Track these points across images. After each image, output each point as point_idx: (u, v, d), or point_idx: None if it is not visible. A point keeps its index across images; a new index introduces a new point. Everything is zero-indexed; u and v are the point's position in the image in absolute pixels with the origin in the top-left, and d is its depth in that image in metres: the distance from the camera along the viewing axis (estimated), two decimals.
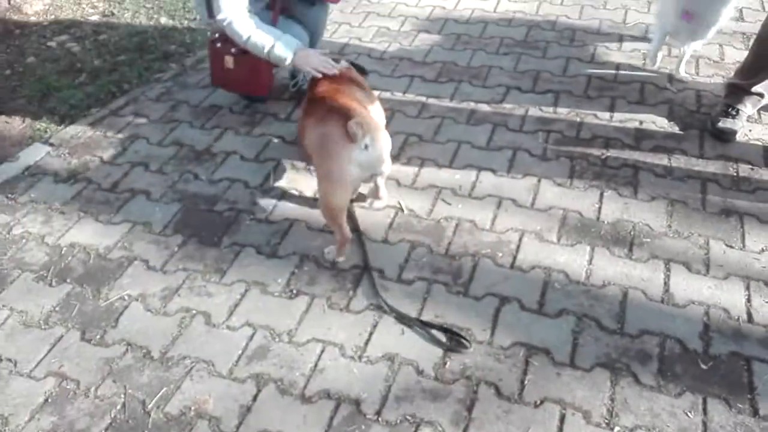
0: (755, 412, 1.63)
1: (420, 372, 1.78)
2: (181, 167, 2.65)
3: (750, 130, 2.63)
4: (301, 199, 2.44)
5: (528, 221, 2.27)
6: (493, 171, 2.51)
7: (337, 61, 2.47)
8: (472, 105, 2.92)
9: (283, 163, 2.63)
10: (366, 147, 1.97)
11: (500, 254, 2.14)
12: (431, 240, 2.22)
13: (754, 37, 2.60)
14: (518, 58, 3.26)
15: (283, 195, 2.47)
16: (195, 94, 3.13)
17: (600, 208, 2.31)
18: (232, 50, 2.65)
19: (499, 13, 3.71)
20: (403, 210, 2.35)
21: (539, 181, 2.45)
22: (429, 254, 2.16)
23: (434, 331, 1.89)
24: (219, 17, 2.45)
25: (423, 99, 2.99)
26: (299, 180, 2.54)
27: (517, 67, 3.18)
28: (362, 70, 2.62)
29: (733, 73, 2.71)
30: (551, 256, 2.12)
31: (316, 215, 2.34)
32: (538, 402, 1.69)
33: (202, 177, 2.59)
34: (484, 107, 2.90)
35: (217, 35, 2.71)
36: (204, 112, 2.99)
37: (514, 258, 2.12)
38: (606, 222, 2.24)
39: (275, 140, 2.77)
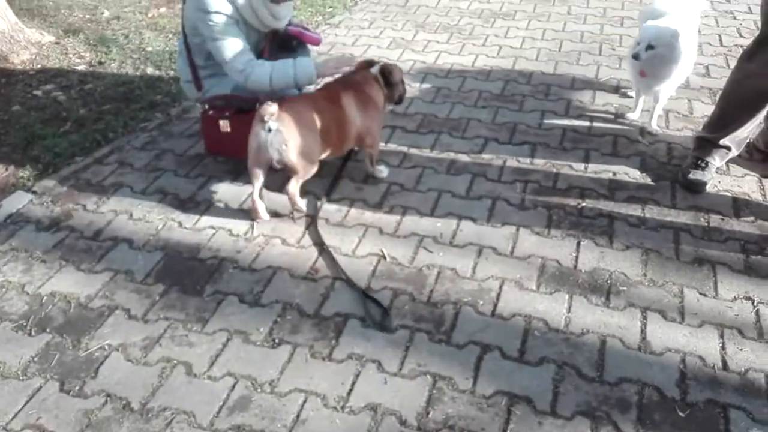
0: None
1: (403, 422, 1.78)
2: (164, 215, 2.66)
3: (719, 182, 2.73)
4: (284, 247, 2.47)
5: (508, 269, 2.31)
6: (474, 220, 2.57)
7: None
8: (452, 155, 3.01)
9: (269, 212, 2.66)
10: (269, 130, 2.35)
11: (481, 302, 2.17)
12: (413, 288, 2.25)
13: (720, 92, 2.74)
14: (496, 111, 3.37)
15: (267, 243, 2.49)
16: (180, 143, 3.18)
17: (577, 257, 2.36)
18: (226, 114, 2.74)
19: (477, 68, 3.86)
20: (385, 258, 2.39)
21: (518, 229, 2.51)
22: (411, 302, 2.19)
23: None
24: (239, 73, 2.54)
25: (404, 149, 3.07)
26: (283, 228, 2.57)
27: (495, 119, 3.29)
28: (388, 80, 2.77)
29: (701, 127, 2.83)
30: (531, 304, 2.16)
31: (300, 262, 2.37)
32: None
33: (185, 225, 2.61)
34: (464, 157, 2.98)
35: (206, 106, 2.81)
36: (189, 161, 3.03)
37: (495, 306, 2.16)
38: (583, 270, 2.30)
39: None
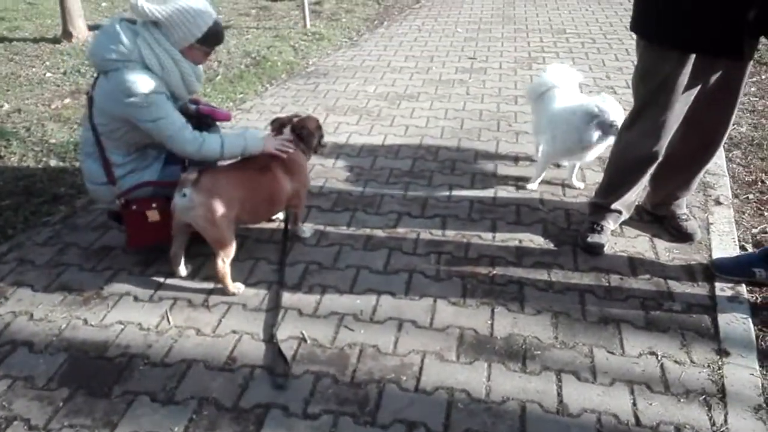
0: None
1: None
2: (68, 313, 2.52)
3: (615, 243, 2.94)
4: (199, 337, 2.39)
5: (428, 342, 2.35)
6: (392, 294, 2.61)
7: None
8: (368, 231, 3.07)
9: (180, 302, 2.58)
10: (184, 195, 2.40)
11: (404, 378, 2.18)
12: (336, 369, 2.22)
13: (607, 161, 2.98)
14: (407, 186, 3.50)
15: (180, 334, 2.41)
16: (85, 236, 3.06)
17: (492, 324, 2.44)
18: (153, 205, 2.65)
19: (386, 147, 4.02)
20: (306, 340, 2.36)
21: (435, 301, 2.57)
22: (334, 385, 2.16)
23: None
24: (191, 144, 2.52)
25: (321, 227, 3.10)
26: (197, 317, 2.50)
27: (406, 195, 3.41)
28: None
29: (594, 194, 3.06)
30: (453, 375, 2.19)
31: (216, 353, 2.30)
32: None
33: (91, 322, 2.47)
34: (379, 233, 3.05)
35: (123, 200, 2.65)
36: (95, 254, 2.91)
37: (418, 380, 2.17)
38: (499, 337, 2.37)
39: (169, 280, 2.73)
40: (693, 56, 2.41)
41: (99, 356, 2.30)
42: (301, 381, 2.17)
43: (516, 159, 3.81)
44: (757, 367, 2.21)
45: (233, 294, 2.60)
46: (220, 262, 2.53)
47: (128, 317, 2.50)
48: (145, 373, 2.21)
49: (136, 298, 2.61)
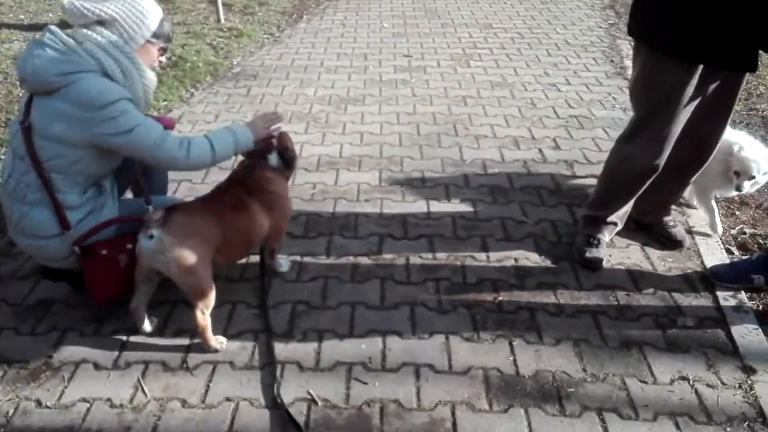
0: None
1: None
2: (14, 393, 2.04)
3: (610, 255, 2.84)
4: (187, 410, 2.00)
5: (453, 389, 2.11)
6: (399, 334, 2.34)
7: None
8: (351, 259, 2.77)
9: (153, 365, 2.16)
10: (151, 237, 2.03)
11: None
12: None
13: (601, 172, 2.86)
14: (380, 203, 3.22)
15: (163, 408, 2.00)
16: (13, 289, 2.52)
17: (515, 360, 2.24)
18: (128, 245, 2.17)
19: (345, 158, 3.71)
20: (316, 401, 2.04)
21: (447, 338, 2.33)
22: None
23: None
24: (177, 150, 2.11)
25: (298, 258, 2.76)
26: (179, 384, 2.10)
27: (381, 213, 3.14)
28: (288, 162, 2.56)
29: (586, 205, 2.94)
30: (491, 428, 1.97)
31: (211, 429, 1.93)
32: None
33: (47, 403, 2.01)
34: (365, 260, 2.77)
35: (81, 247, 2.17)
36: (31, 312, 2.40)
37: None
38: (527, 376, 2.17)
39: (133, 338, 2.29)
40: (701, 67, 2.32)
41: None
42: None
43: (484, 166, 3.64)
44: None
45: (216, 350, 2.22)
46: (198, 313, 2.14)
47: (92, 392, 2.05)
48: None
49: (97, 366, 2.16)
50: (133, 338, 2.29)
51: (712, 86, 2.43)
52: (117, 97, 1.98)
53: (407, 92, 4.79)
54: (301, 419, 1.97)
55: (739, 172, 2.71)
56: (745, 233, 3.09)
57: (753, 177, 2.69)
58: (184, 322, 2.36)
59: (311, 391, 2.08)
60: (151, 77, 2.18)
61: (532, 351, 2.29)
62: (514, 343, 2.32)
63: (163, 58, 2.30)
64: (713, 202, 2.96)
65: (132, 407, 2.01)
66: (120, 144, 2.03)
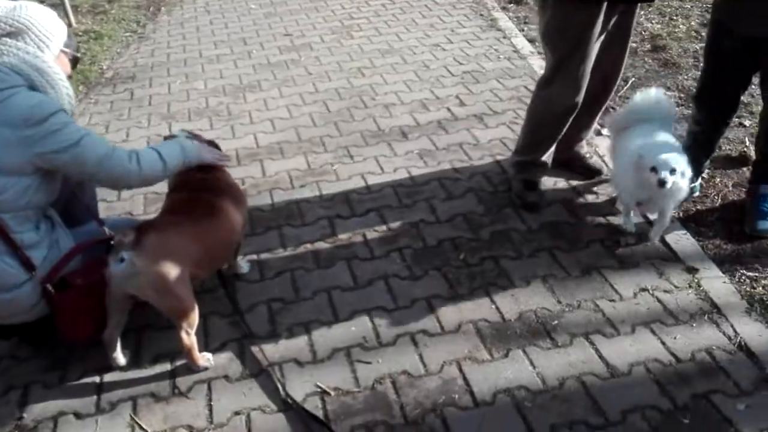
0: None
1: None
2: None
3: (544, 195, 3.01)
4: None
5: (452, 348, 2.18)
6: (383, 308, 2.36)
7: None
8: (309, 247, 2.72)
9: (142, 399, 2.02)
10: (122, 260, 1.88)
11: (456, 396, 1.99)
12: (381, 413, 1.94)
13: (525, 118, 3.01)
14: (317, 187, 3.17)
15: None
16: None
17: (497, 307, 2.35)
18: (102, 270, 1.97)
19: (265, 147, 3.59)
20: (328, 392, 2.02)
21: (428, 302, 2.39)
22: (392, 431, 1.88)
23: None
24: (128, 162, 1.97)
25: (254, 257, 2.66)
26: (179, 412, 1.99)
27: (322, 196, 3.09)
28: None
29: (515, 152, 3.09)
30: (500, 375, 2.06)
31: None
32: None
33: None
34: (323, 245, 2.73)
35: (52, 284, 1.94)
36: None
37: (472, 393, 2.00)
38: (513, 320, 2.29)
39: (108, 377, 2.11)
40: (605, 4, 2.51)
41: None
42: None
43: (402, 132, 3.69)
44: (721, 274, 2.47)
45: (204, 368, 2.11)
46: (183, 334, 2.02)
47: None
48: None
49: (78, 415, 1.97)
50: (108, 377, 2.11)
51: (612, 21, 2.63)
52: (54, 108, 1.81)
53: (301, 71, 4.69)
54: (318, 413, 1.94)
55: (656, 167, 2.35)
56: None
57: (674, 170, 2.33)
58: (158, 347, 2.22)
59: (319, 383, 2.05)
60: (72, 90, 1.98)
61: (509, 296, 2.41)
62: (490, 293, 2.42)
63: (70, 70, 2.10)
64: (669, 215, 2.60)
65: None
66: (67, 161, 1.84)
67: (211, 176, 2.26)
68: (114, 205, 3.10)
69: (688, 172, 2.41)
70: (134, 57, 5.25)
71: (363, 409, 1.96)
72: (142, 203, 3.10)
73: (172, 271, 1.93)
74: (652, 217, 2.71)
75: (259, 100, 4.23)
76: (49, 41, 1.89)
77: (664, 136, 2.60)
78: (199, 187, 2.21)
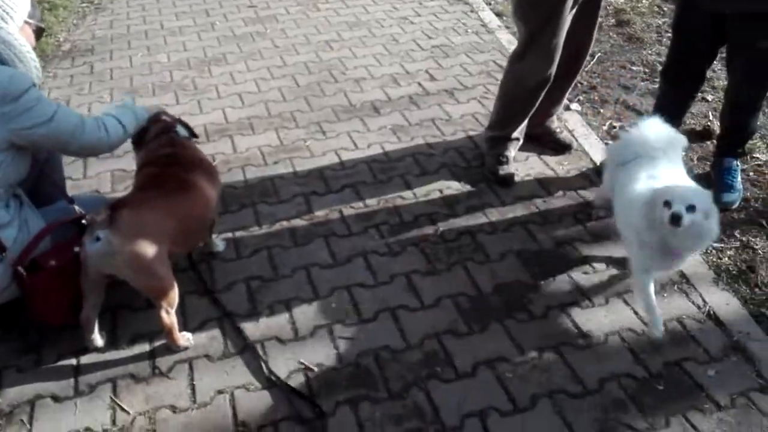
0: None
1: None
2: None
3: (517, 169, 3.05)
4: (181, 416, 1.89)
5: (432, 322, 2.21)
6: (362, 285, 2.37)
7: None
8: (285, 224, 2.70)
9: (122, 381, 1.99)
10: (97, 239, 1.84)
11: (439, 369, 2.03)
12: (365, 389, 1.96)
13: (497, 94, 3.03)
14: (290, 163, 3.13)
15: (154, 421, 1.87)
16: None
17: (474, 282, 2.39)
18: (76, 249, 1.92)
19: (234, 123, 3.52)
20: (311, 369, 2.03)
21: (407, 277, 2.41)
22: (376, 406, 1.91)
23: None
24: (100, 132, 1.97)
25: (229, 235, 2.63)
26: (161, 392, 1.96)
27: (296, 172, 3.06)
28: (192, 134, 2.43)
29: (488, 127, 3.11)
30: (480, 347, 2.10)
31: (216, 426, 1.86)
32: None
33: None
34: (299, 222, 2.71)
35: (24, 267, 1.88)
36: None
37: (454, 367, 2.03)
38: (490, 293, 2.33)
39: (85, 359, 2.07)
40: None
41: None
42: (340, 417, 1.87)
43: (374, 107, 3.66)
44: None
45: (185, 348, 2.09)
46: (163, 313, 1.99)
47: (64, 427, 1.85)
48: None
49: (56, 399, 1.93)
50: (84, 359, 2.07)
51: None
52: (27, 84, 1.77)
53: (267, 44, 4.59)
54: (304, 389, 1.95)
55: (670, 201, 1.83)
56: (614, 127, 3.48)
57: (692, 206, 1.81)
58: (135, 328, 2.18)
59: (302, 360, 2.05)
60: (37, 60, 1.91)
61: (485, 270, 2.44)
62: (467, 267, 2.46)
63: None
64: (650, 287, 2.07)
65: (118, 429, 1.84)
66: (42, 136, 1.81)
67: (181, 151, 2.21)
68: (80, 183, 3.00)
69: (715, 215, 1.85)
70: (92, 29, 5.04)
71: (347, 384, 1.98)
72: (110, 180, 3.01)
73: (149, 248, 1.89)
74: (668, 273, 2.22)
75: (226, 73, 4.13)
76: (12, 12, 1.81)
77: (680, 170, 2.19)
78: (169, 162, 2.17)
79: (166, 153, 2.19)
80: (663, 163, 2.16)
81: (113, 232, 1.83)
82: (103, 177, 3.06)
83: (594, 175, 2.99)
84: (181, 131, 2.36)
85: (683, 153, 2.32)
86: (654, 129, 2.29)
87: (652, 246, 1.97)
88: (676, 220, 1.79)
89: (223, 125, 3.51)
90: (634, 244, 2.09)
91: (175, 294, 2.01)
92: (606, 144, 3.27)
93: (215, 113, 3.63)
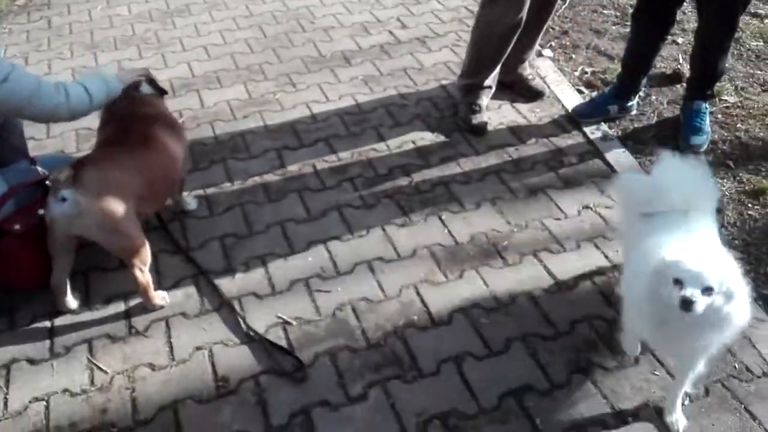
0: None
1: None
2: None
3: (490, 118, 3.04)
4: (161, 374, 1.89)
5: (409, 273, 2.23)
6: (338, 238, 2.37)
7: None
8: (258, 180, 2.67)
9: (98, 341, 1.98)
10: (63, 199, 1.79)
11: (416, 317, 2.06)
12: (344, 339, 1.99)
13: (469, 41, 2.98)
14: (260, 116, 3.07)
15: (133, 379, 1.87)
16: None
17: (450, 231, 2.40)
18: (40, 212, 1.88)
19: (201, 77, 3.42)
20: (289, 322, 2.04)
21: (383, 229, 2.41)
22: (355, 355, 1.94)
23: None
24: (59, 97, 1.86)
25: (200, 192, 2.59)
26: (138, 351, 1.96)
27: (267, 126, 3.00)
28: (161, 91, 2.36)
29: (461, 76, 3.07)
30: (456, 295, 2.14)
31: (196, 382, 1.88)
32: None
33: None
34: (272, 177, 2.68)
35: None
36: None
37: (430, 315, 2.07)
38: (465, 242, 2.35)
39: (60, 321, 2.05)
40: None
41: None
42: (319, 367, 1.90)
43: (345, 57, 3.59)
44: None
45: (160, 306, 2.08)
46: (137, 272, 1.97)
47: (42, 388, 1.85)
48: None
49: (32, 361, 1.92)
50: (59, 321, 2.05)
51: None
52: None
53: None
54: (282, 343, 1.97)
55: (682, 281, 1.42)
56: (586, 72, 3.47)
57: (709, 288, 1.41)
58: (109, 289, 2.16)
59: (280, 314, 2.07)
60: None
61: (460, 219, 2.46)
62: (442, 217, 2.47)
63: None
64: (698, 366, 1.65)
65: (97, 389, 1.85)
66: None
67: (143, 107, 2.15)
68: (45, 143, 2.91)
69: (741, 294, 1.45)
70: None
71: (325, 336, 2.00)
72: (74, 140, 2.93)
73: (117, 206, 1.86)
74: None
75: (190, 25, 3.99)
76: None
77: (708, 230, 1.72)
78: (131, 119, 2.11)
79: (128, 109, 2.12)
80: (689, 221, 1.68)
81: (79, 191, 1.79)
82: (68, 136, 2.96)
83: (566, 123, 3.00)
84: (145, 88, 2.28)
85: (716, 207, 1.84)
86: (686, 177, 1.78)
87: (653, 323, 1.56)
88: (687, 305, 1.40)
89: (189, 79, 3.41)
90: (632, 311, 1.74)
91: (147, 252, 1.99)
92: (578, 90, 3.26)
93: (180, 67, 3.52)
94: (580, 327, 2.00)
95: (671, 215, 1.70)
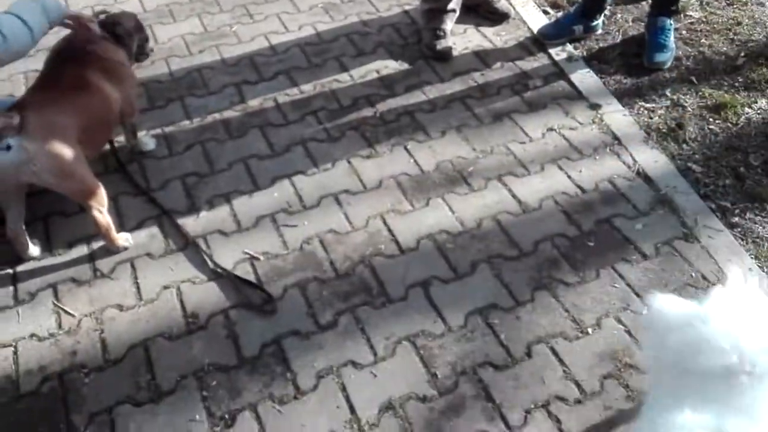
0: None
1: (421, 398, 1.67)
2: None
3: (455, 43, 2.97)
4: (128, 314, 1.89)
5: (375, 203, 2.22)
6: (303, 172, 2.34)
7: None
8: (218, 116, 2.60)
9: (63, 286, 1.96)
10: (7, 147, 1.72)
11: (383, 246, 2.07)
12: (312, 270, 2.00)
13: None
14: (215, 51, 2.96)
15: (101, 321, 1.87)
16: None
17: (415, 161, 2.39)
18: None
19: (151, 12, 3.25)
20: (256, 258, 2.04)
21: (348, 161, 2.39)
22: (324, 285, 1.96)
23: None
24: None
25: (159, 131, 2.52)
26: (105, 293, 1.95)
27: (224, 60, 2.90)
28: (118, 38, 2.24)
29: (423, 1, 2.97)
30: (422, 222, 2.15)
31: (166, 320, 1.89)
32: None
33: None
34: (232, 113, 2.61)
35: None
36: None
37: (397, 242, 2.08)
38: (431, 171, 2.35)
39: (21, 268, 2.02)
40: None
41: (12, 398, 1.69)
42: (288, 299, 1.92)
43: None
44: (621, 107, 2.59)
45: (124, 248, 2.05)
46: (96, 214, 1.93)
47: (8, 335, 1.83)
48: (99, 383, 1.71)
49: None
50: (21, 268, 2.02)
51: None
52: None
53: None
54: (251, 277, 1.97)
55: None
56: None
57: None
58: (70, 233, 2.12)
59: (247, 250, 2.06)
60: None
61: (426, 148, 2.44)
62: (408, 147, 2.44)
63: None
64: None
65: (65, 332, 1.84)
66: None
67: (81, 45, 2.05)
68: None
69: None
70: None
71: (294, 269, 2.01)
72: (23, 83, 2.79)
73: (65, 150, 1.80)
74: None
75: None
76: None
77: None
78: (67, 59, 2.01)
79: (65, 51, 2.03)
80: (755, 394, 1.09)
81: (25, 137, 1.72)
82: (16, 79, 2.83)
83: (532, 45, 2.95)
84: (95, 29, 2.15)
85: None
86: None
87: None
88: None
89: (140, 15, 3.19)
90: None
91: (102, 192, 1.94)
92: (544, 11, 3.19)
93: (131, 1, 3.35)
94: (543, 246, 2.04)
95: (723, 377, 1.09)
